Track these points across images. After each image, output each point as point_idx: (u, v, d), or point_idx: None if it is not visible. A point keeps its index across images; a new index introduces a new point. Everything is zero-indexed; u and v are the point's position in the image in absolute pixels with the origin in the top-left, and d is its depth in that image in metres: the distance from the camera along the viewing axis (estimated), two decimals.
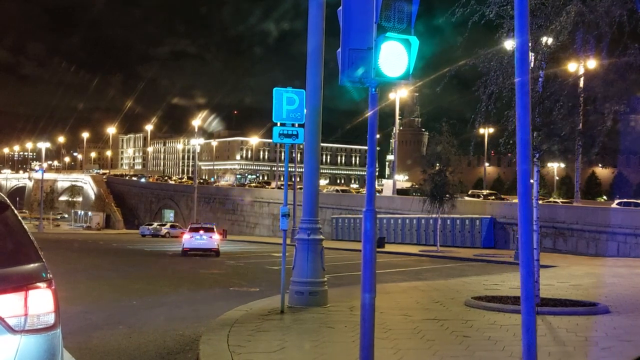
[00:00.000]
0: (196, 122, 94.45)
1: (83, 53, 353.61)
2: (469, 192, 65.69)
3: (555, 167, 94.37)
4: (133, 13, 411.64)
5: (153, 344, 9.30)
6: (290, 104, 11.05)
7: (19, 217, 5.17)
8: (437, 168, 33.84)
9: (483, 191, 70.35)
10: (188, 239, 32.74)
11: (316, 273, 11.97)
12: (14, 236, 4.95)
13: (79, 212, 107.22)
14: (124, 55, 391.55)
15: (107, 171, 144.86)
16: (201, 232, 32.86)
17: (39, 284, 4.59)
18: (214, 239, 32.32)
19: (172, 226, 68.67)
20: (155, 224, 70.10)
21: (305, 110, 11.31)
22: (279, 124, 11.26)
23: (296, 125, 11.34)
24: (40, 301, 4.55)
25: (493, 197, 62.82)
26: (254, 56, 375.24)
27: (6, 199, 5.31)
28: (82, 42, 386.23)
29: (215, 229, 34.00)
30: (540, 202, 12.84)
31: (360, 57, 6.34)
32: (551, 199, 60.06)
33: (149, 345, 9.20)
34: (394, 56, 6.16)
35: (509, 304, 12.23)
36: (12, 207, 5.20)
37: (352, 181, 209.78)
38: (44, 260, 4.85)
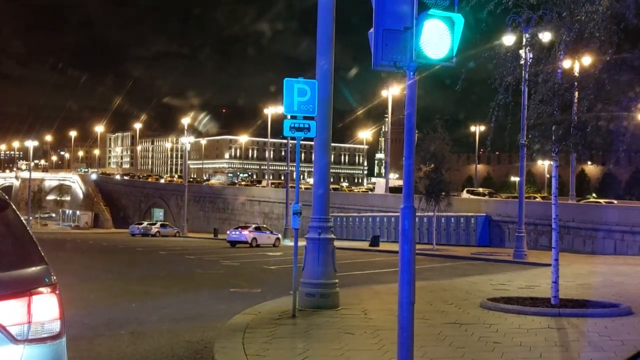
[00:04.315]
0: (186, 120, 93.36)
1: (71, 52, 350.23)
2: (465, 190, 65.19)
3: (545, 164, 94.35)
4: (123, 13, 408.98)
5: (160, 351, 8.69)
6: (301, 96, 10.44)
7: (20, 216, 4.66)
8: (432, 166, 33.45)
9: (480, 189, 69.85)
10: (229, 234, 45.70)
11: (327, 274, 11.40)
12: (15, 237, 4.53)
13: (67, 212, 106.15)
14: (113, 55, 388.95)
15: (95, 170, 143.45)
16: (239, 229, 45.72)
17: (42, 289, 4.16)
18: (244, 234, 44.31)
19: (162, 225, 67.41)
20: (145, 223, 68.84)
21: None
22: (289, 117, 10.69)
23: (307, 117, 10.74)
24: (45, 308, 4.13)
25: (496, 195, 62.41)
26: (243, 56, 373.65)
27: (5, 196, 4.77)
28: (70, 41, 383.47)
29: (249, 228, 45.83)
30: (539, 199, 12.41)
31: (396, 39, 5.77)
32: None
33: (157, 353, 8.59)
34: (437, 36, 5.58)
35: (528, 305, 11.77)
36: (13, 205, 4.69)
37: (341, 179, 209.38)
38: (47, 262, 4.39)
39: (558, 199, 12.54)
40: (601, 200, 53.35)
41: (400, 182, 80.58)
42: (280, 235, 46.70)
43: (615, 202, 55.07)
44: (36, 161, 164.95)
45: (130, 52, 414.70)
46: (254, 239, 44.07)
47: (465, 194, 58.95)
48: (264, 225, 50.83)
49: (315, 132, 10.68)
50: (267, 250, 38.37)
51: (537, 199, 53.49)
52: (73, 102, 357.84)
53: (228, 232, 47.06)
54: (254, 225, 47.65)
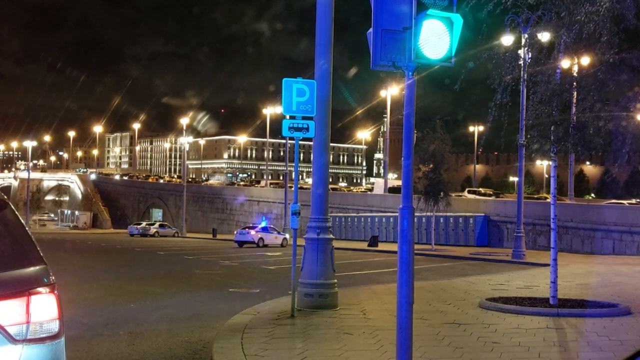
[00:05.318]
0: (184, 120, 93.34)
1: (69, 52, 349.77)
2: (467, 190, 65.08)
3: (544, 165, 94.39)
4: (121, 12, 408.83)
5: (159, 352, 8.69)
6: (300, 96, 10.44)
7: (19, 217, 4.66)
8: (431, 166, 33.45)
9: (482, 189, 69.62)
10: (237, 234, 45.57)
11: (326, 274, 11.40)
12: (14, 237, 4.55)
13: (66, 212, 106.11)
14: (111, 54, 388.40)
15: (94, 170, 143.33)
16: (246, 229, 45.75)
17: (41, 289, 4.17)
18: (251, 234, 44.19)
19: (161, 225, 67.30)
20: (143, 224, 68.75)
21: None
22: (288, 117, 10.69)
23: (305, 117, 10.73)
24: (43, 308, 4.14)
25: (502, 196, 62.11)
26: (242, 56, 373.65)
27: (4, 196, 4.79)
28: (68, 40, 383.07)
29: (256, 228, 45.53)
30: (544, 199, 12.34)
31: (394, 39, 5.77)
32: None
33: (155, 353, 8.59)
34: (435, 36, 5.58)
35: (527, 305, 11.78)
36: (12, 206, 4.70)
37: (340, 180, 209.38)
38: (46, 262, 4.41)
39: (557, 199, 12.55)
40: (624, 202, 52.49)
41: (399, 183, 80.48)
42: (287, 236, 46.34)
43: (635, 201, 54.50)
44: (35, 161, 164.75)
45: (128, 51, 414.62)
46: (261, 239, 44.24)
47: (469, 195, 58.70)
48: (271, 226, 50.61)
49: (314, 132, 10.67)
50: (267, 250, 38.39)
51: (548, 200, 52.99)
52: (71, 102, 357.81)
53: (235, 232, 47.49)
54: (260, 226, 47.76)
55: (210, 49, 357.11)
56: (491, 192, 62.93)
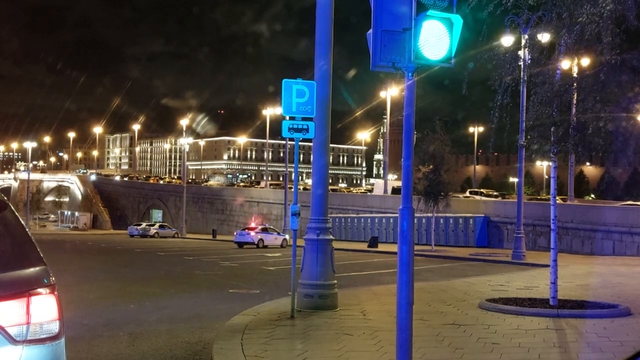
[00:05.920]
0: (184, 121, 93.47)
1: (68, 53, 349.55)
2: (468, 191, 64.99)
3: (544, 165, 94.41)
4: (120, 13, 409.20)
5: (158, 352, 8.69)
6: (300, 97, 10.44)
7: (19, 217, 4.67)
8: (431, 167, 33.45)
9: (483, 190, 69.49)
10: (237, 235, 45.81)
11: (326, 275, 11.40)
12: (14, 238, 4.55)
13: (66, 213, 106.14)
14: (111, 55, 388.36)
15: (94, 171, 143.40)
16: (245, 230, 46.08)
17: (41, 290, 4.17)
18: (251, 235, 44.48)
19: (161, 226, 67.29)
20: (143, 224, 68.73)
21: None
22: (288, 118, 10.70)
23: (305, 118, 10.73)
24: (43, 308, 4.13)
25: (508, 197, 61.76)
26: (242, 56, 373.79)
27: (4, 197, 4.80)
28: (68, 41, 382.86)
29: (256, 229, 45.92)
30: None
31: (394, 40, 5.77)
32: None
33: (155, 354, 8.59)
34: (435, 37, 5.58)
35: (527, 306, 11.77)
36: (11, 206, 4.71)
37: (340, 180, 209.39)
38: (46, 263, 4.40)
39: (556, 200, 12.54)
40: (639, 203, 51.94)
41: (400, 183, 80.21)
42: (287, 237, 46.13)
43: None
44: (35, 162, 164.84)
45: (128, 51, 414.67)
46: (261, 240, 44.28)
47: (476, 197, 58.51)
48: (271, 227, 50.55)
49: (313, 133, 10.67)
50: (267, 251, 38.40)
51: (558, 201, 52.46)
52: (71, 102, 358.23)
53: (235, 233, 47.78)
54: (260, 227, 47.87)
55: (210, 49, 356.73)
56: (497, 194, 62.53)
